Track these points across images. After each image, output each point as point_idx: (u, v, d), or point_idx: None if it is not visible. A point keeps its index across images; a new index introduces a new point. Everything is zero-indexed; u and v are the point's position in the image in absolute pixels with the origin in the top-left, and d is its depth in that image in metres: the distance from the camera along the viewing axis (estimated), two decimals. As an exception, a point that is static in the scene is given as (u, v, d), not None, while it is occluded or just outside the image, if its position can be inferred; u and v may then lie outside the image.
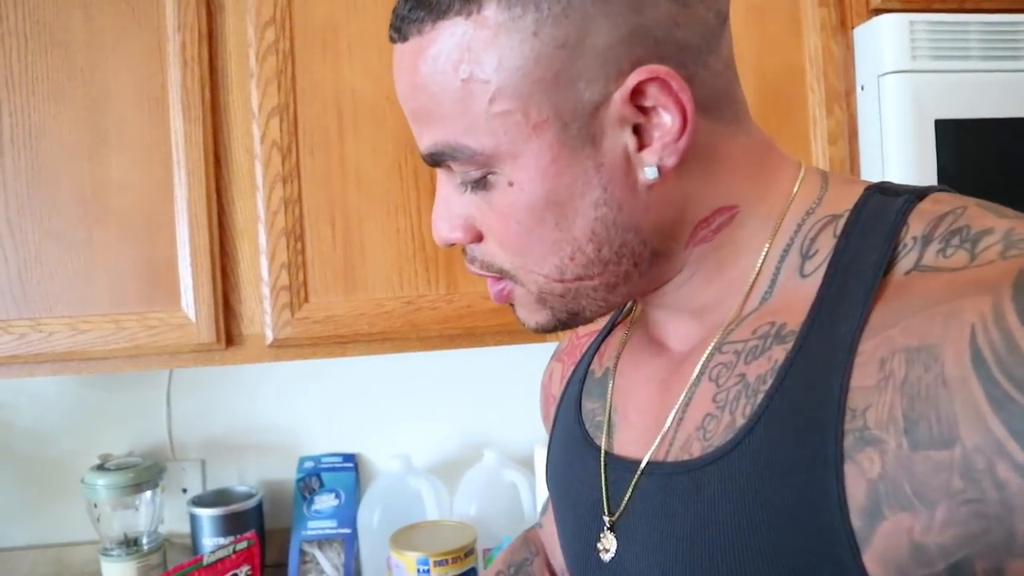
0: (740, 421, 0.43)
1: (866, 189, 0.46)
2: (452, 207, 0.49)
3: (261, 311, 1.13)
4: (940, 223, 0.40)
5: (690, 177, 0.46)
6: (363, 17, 1.14)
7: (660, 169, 0.44)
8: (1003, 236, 0.37)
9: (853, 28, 1.24)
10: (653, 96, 0.43)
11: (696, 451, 0.45)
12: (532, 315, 0.51)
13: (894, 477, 0.35)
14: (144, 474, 1.27)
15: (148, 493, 1.28)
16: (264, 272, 1.12)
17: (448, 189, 0.49)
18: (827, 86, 1.24)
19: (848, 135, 1.25)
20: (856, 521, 0.36)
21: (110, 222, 1.08)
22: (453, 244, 0.50)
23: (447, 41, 0.43)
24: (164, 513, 1.34)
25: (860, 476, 0.36)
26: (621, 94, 0.42)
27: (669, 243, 0.48)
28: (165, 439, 1.44)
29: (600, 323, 0.67)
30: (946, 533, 0.34)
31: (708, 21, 0.45)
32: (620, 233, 0.45)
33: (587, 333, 0.69)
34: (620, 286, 0.48)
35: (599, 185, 0.44)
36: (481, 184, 0.46)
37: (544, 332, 0.52)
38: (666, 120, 0.43)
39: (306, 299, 1.13)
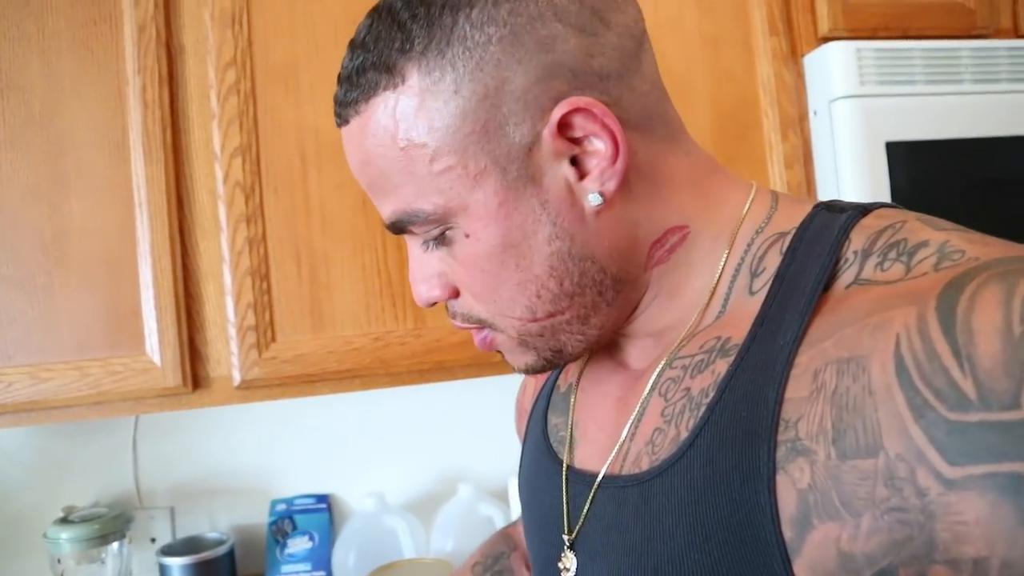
0: (684, 434, 0.44)
1: (814, 207, 0.47)
2: (425, 268, 0.51)
3: (228, 352, 1.11)
4: (879, 237, 0.41)
5: (636, 199, 0.47)
6: (324, 57, 1.15)
7: (603, 195, 0.45)
8: (937, 249, 0.38)
9: (803, 56, 1.28)
10: (580, 126, 0.44)
11: (645, 464, 0.46)
12: (519, 358, 0.52)
13: (823, 487, 0.36)
14: (110, 525, 1.24)
15: (115, 544, 1.25)
16: (230, 313, 1.11)
17: (418, 252, 0.51)
18: (781, 112, 1.27)
19: (803, 159, 1.28)
20: (787, 531, 0.37)
21: (71, 267, 1.07)
22: (435, 303, 0.52)
23: (381, 115, 0.45)
24: (132, 565, 1.30)
25: (791, 486, 0.37)
26: (549, 130, 0.44)
27: (628, 268, 0.49)
28: (132, 487, 1.41)
29: None
30: (871, 541, 0.34)
31: (623, 46, 0.46)
32: (578, 263, 0.47)
33: None
34: (592, 317, 0.49)
35: (548, 221, 0.45)
36: (442, 240, 0.48)
37: (535, 372, 0.53)
38: (599, 146, 0.45)
39: (273, 338, 1.12)
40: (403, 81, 0.44)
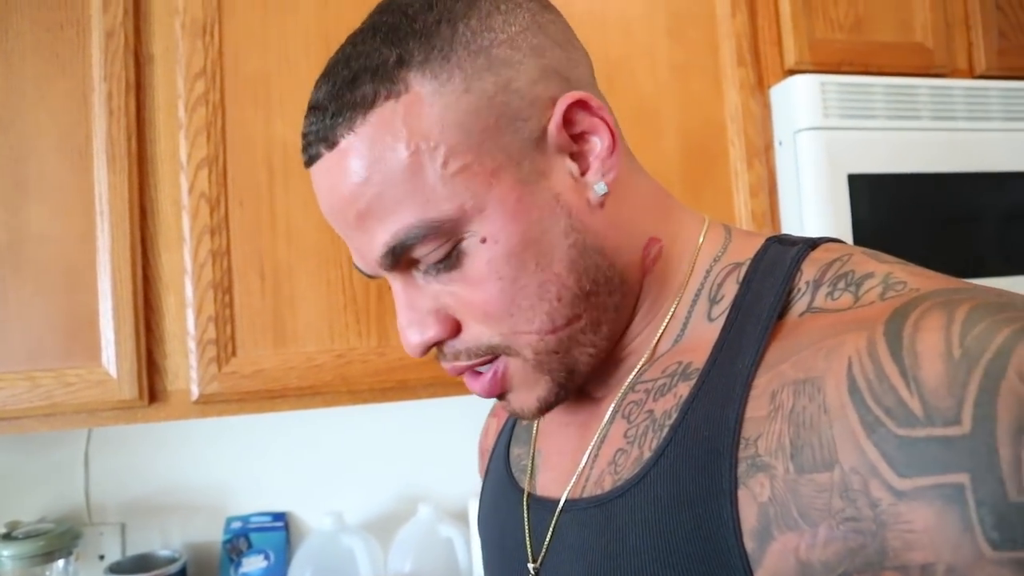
0: (647, 454, 0.45)
1: (766, 240, 0.49)
2: (418, 307, 0.47)
3: (187, 366, 1.09)
4: (829, 269, 0.44)
5: (624, 202, 0.49)
6: (295, 70, 1.15)
7: (607, 184, 0.47)
8: (882, 279, 0.41)
9: (770, 87, 1.31)
10: (579, 121, 0.46)
11: (607, 485, 0.47)
12: (531, 392, 0.49)
13: (782, 500, 0.37)
14: (56, 541, 1.20)
15: (60, 562, 1.21)
16: (190, 325, 1.09)
17: (409, 293, 0.47)
18: (747, 142, 1.29)
19: (768, 188, 1.30)
20: (749, 543, 0.38)
21: (27, 274, 1.04)
22: (431, 347, 0.48)
23: (382, 127, 0.43)
24: (78, 583, 1.26)
25: (752, 500, 0.38)
26: (555, 124, 0.45)
27: (630, 269, 0.49)
28: (82, 503, 1.37)
29: None
30: (828, 550, 0.36)
31: (588, 63, 0.50)
32: (593, 257, 0.47)
33: None
34: (603, 324, 0.48)
35: (563, 213, 0.46)
36: (451, 260, 0.45)
37: (546, 410, 0.50)
38: (596, 143, 0.47)
39: (234, 353, 1.10)
40: (406, 89, 0.43)
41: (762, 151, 1.30)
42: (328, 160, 0.45)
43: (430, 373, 1.16)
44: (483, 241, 0.45)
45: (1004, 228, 1.33)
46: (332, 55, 0.48)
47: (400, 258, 0.45)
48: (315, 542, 1.33)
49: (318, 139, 0.45)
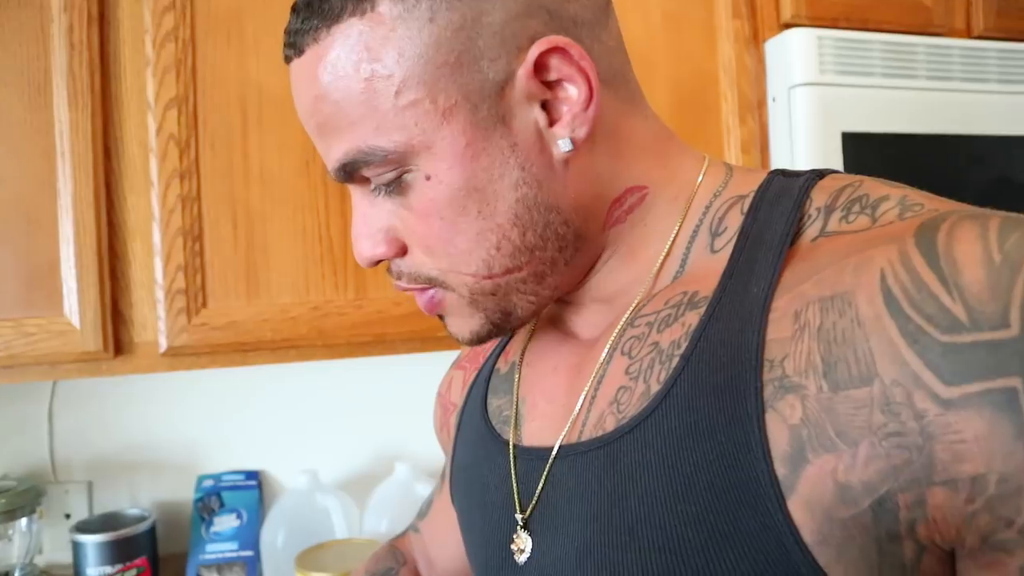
0: (655, 388, 0.43)
1: (769, 173, 0.48)
2: (371, 222, 0.47)
3: (154, 317, 1.04)
4: (840, 195, 0.43)
5: (600, 153, 0.47)
6: (271, 7, 1.08)
7: (573, 141, 0.44)
8: (899, 201, 0.40)
9: (765, 41, 1.27)
10: (556, 68, 0.43)
11: (610, 425, 0.45)
12: (465, 323, 0.49)
13: (816, 420, 0.36)
14: (18, 499, 1.16)
15: (23, 520, 1.17)
16: (158, 274, 1.04)
17: (364, 205, 0.47)
18: (740, 96, 1.26)
19: (760, 145, 1.27)
20: (780, 469, 0.36)
21: (-18, 218, 0.98)
22: (379, 262, 0.48)
23: (344, 44, 0.42)
24: (43, 542, 1.23)
25: (782, 424, 0.36)
26: (525, 69, 0.43)
27: (589, 224, 0.47)
28: (46, 459, 1.32)
29: None
30: (869, 469, 0.34)
31: None
32: (543, 213, 0.45)
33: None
34: (548, 276, 0.47)
35: (516, 165, 0.44)
36: (397, 187, 0.45)
37: (478, 342, 0.50)
38: (572, 92, 0.44)
39: (204, 304, 1.05)
40: (372, 7, 0.42)
41: (755, 106, 1.27)
42: (297, 65, 0.45)
43: (409, 327, 1.12)
44: (427, 179, 0.44)
45: (996, 192, 1.31)
46: None
47: (352, 175, 0.46)
48: (289, 501, 1.30)
49: (288, 42, 0.45)
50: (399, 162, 0.43)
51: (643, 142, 0.49)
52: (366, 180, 0.46)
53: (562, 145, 0.44)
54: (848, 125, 1.22)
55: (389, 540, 0.81)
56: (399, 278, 0.49)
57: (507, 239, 0.45)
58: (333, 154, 0.45)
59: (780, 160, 1.25)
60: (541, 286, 0.47)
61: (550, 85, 0.44)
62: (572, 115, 0.44)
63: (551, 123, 0.44)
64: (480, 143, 0.43)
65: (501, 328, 0.49)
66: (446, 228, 0.44)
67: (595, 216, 0.47)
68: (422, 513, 0.79)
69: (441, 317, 0.51)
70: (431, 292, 0.48)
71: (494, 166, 0.43)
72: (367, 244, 0.47)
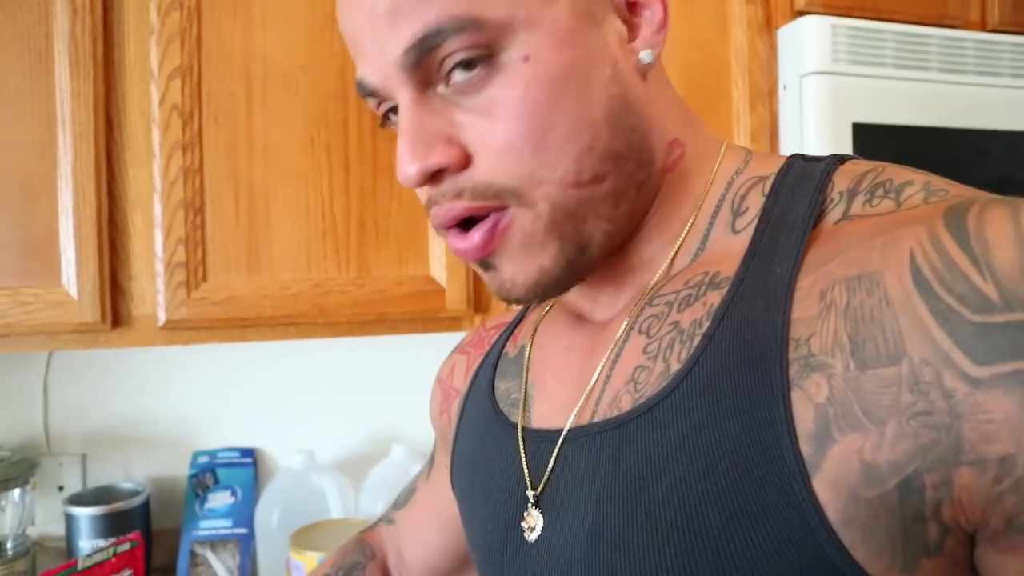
0: (675, 367, 0.42)
1: (789, 157, 0.47)
2: (428, 129, 0.42)
3: (153, 290, 1.03)
4: (863, 179, 0.42)
5: (657, 90, 0.47)
6: (278, -22, 1.06)
7: (653, 55, 0.45)
8: (923, 187, 0.40)
9: (778, 28, 1.25)
10: None
11: (626, 405, 0.43)
12: (531, 262, 0.44)
13: (843, 399, 0.35)
14: (11, 470, 1.15)
15: (16, 491, 1.16)
16: (158, 247, 1.02)
17: (419, 113, 0.42)
18: (751, 83, 1.24)
19: (770, 133, 1.26)
20: (805, 448, 0.35)
21: (-20, 184, 0.97)
22: (430, 177, 0.42)
23: None
24: (36, 514, 1.22)
25: (807, 402, 0.36)
26: None
27: (656, 154, 0.47)
28: (40, 431, 1.31)
29: (510, 315, 0.65)
30: (897, 448, 0.34)
31: None
32: (630, 119, 0.44)
33: (495, 325, 0.66)
34: (623, 200, 0.45)
35: (609, 63, 0.43)
36: (480, 74, 0.40)
37: (539, 291, 0.44)
38: (648, 14, 0.45)
39: (204, 278, 1.04)
40: None
41: (766, 94, 1.25)
42: None
43: (411, 307, 1.11)
44: (525, 59, 0.41)
45: (1007, 189, 1.30)
46: None
47: (425, 56, 0.40)
48: (284, 480, 1.29)
49: None
50: (492, 41, 0.40)
51: (677, 102, 0.49)
52: (429, 80, 0.42)
53: (644, 56, 0.45)
54: (859, 115, 1.20)
55: (357, 532, 0.79)
56: (457, 196, 0.42)
57: (600, 139, 0.42)
58: (408, 30, 0.40)
59: (790, 149, 1.24)
60: (617, 211, 0.45)
61: (630, 6, 0.45)
62: (651, 32, 0.45)
63: (630, 40, 0.45)
64: (581, 31, 0.42)
65: (574, 268, 0.45)
66: (539, 118, 0.41)
67: (659, 149, 0.47)
68: (399, 503, 0.77)
69: (487, 268, 0.45)
70: (498, 216, 0.43)
71: (592, 57, 0.42)
72: (421, 153, 0.41)
